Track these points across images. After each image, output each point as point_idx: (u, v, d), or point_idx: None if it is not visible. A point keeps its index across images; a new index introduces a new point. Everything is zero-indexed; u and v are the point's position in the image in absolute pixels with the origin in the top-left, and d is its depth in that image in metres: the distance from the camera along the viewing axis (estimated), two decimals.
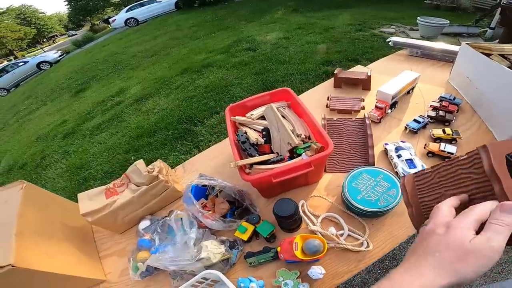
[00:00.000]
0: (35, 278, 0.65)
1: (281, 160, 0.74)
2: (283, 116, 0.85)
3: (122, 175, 0.84)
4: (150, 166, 0.87)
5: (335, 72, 1.25)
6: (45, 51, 18.17)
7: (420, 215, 0.43)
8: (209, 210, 0.73)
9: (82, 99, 5.48)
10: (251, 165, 0.74)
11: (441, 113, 0.96)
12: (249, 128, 0.88)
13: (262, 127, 0.84)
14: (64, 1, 24.85)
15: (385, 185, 0.70)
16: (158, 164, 0.87)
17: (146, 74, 5.21)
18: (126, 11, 12.57)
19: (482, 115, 0.96)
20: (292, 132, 0.77)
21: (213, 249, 0.64)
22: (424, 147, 0.86)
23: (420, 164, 0.79)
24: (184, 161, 1.10)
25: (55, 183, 2.94)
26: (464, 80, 1.07)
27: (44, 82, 9.04)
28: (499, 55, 0.94)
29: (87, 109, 4.66)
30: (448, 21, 3.81)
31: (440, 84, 1.18)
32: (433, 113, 0.98)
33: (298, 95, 0.96)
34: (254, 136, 0.79)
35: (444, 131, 0.88)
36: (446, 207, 0.35)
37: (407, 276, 0.31)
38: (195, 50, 5.56)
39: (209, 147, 1.23)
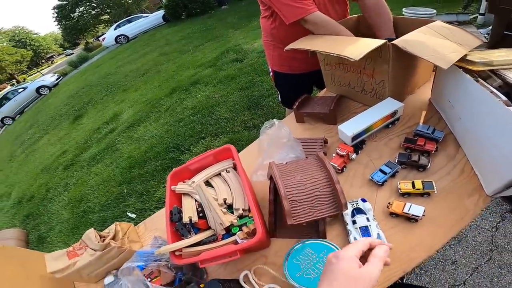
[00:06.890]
0: None
1: (214, 240, 0.74)
2: (225, 180, 0.84)
3: (80, 240, 0.89)
4: (106, 231, 0.92)
5: (293, 107, 1.06)
6: (43, 75, 18.35)
7: (285, 198, 0.63)
8: (156, 276, 0.75)
9: (80, 127, 5.58)
10: None
11: (414, 157, 0.75)
12: (191, 197, 0.84)
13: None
14: (54, 22, 24.59)
15: None
16: (113, 228, 0.91)
17: (137, 95, 5.27)
18: (115, 29, 12.66)
19: (467, 153, 0.74)
20: (228, 208, 0.78)
21: None
22: (387, 207, 0.69)
23: (376, 233, 0.66)
24: None
25: (59, 216, 3.06)
26: (446, 103, 0.82)
27: (44, 109, 9.22)
28: (489, 70, 0.67)
29: (84, 138, 4.75)
30: (435, 10, 3.66)
31: (423, 106, 0.93)
32: (403, 157, 0.76)
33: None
34: (188, 214, 0.77)
35: (413, 185, 0.69)
36: (351, 247, 0.45)
37: None
38: (184, 65, 5.59)
39: None
